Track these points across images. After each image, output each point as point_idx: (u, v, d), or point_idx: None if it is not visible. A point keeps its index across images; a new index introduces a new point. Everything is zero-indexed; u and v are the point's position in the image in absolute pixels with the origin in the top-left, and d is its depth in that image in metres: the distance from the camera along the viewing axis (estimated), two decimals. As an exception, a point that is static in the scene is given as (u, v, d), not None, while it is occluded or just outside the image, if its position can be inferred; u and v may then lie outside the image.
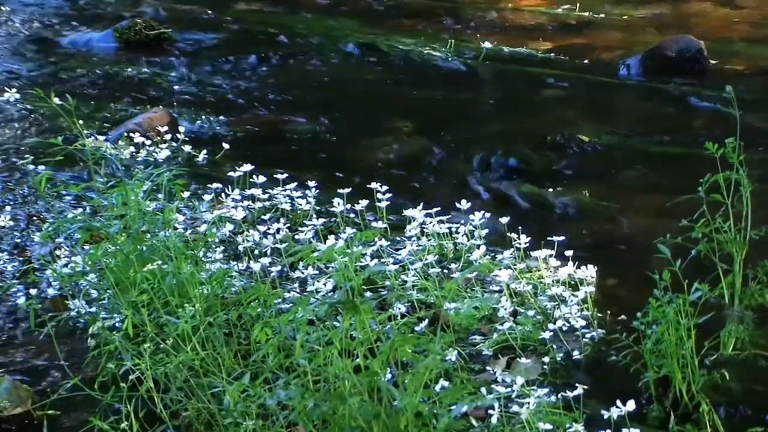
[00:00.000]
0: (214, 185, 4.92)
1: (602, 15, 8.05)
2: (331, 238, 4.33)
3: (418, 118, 6.07)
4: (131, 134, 5.56)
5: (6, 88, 6.35)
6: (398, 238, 4.57)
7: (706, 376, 3.49)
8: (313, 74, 6.99)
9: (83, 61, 7.21)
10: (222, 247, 4.39)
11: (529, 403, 3.27)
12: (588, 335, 3.89)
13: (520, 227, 4.41)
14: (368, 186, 4.75)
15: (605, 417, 3.26)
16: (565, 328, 3.90)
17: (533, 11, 8.22)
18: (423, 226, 4.51)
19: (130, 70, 7.00)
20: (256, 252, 4.41)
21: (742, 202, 3.78)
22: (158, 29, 7.47)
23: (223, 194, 4.86)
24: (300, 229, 4.56)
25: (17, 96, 6.13)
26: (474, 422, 3.41)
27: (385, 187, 4.71)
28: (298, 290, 4.20)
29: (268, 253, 4.36)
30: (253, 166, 4.91)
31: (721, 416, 3.44)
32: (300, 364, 3.29)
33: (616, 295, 4.18)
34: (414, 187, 5.21)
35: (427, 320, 3.93)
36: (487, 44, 7.13)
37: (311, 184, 4.81)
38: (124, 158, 5.34)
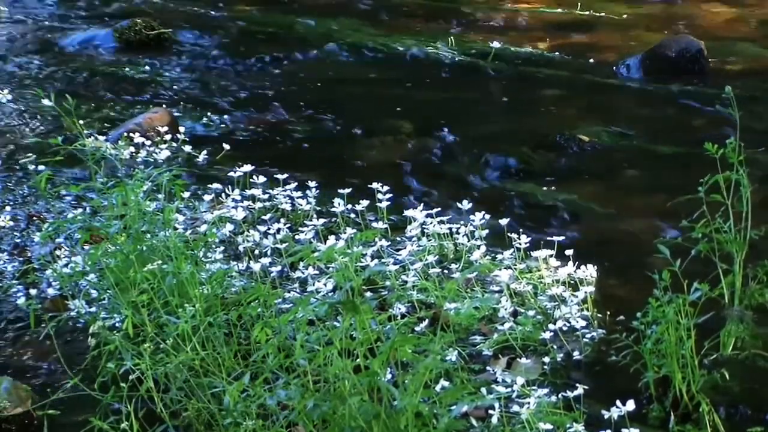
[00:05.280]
0: (214, 185, 4.92)
1: (602, 15, 8.04)
2: (332, 239, 4.33)
3: (418, 118, 6.07)
4: (131, 134, 5.55)
5: (4, 88, 6.36)
6: (398, 239, 4.57)
7: (706, 376, 3.49)
8: (313, 74, 6.98)
9: (83, 61, 7.21)
10: (222, 248, 4.39)
11: (529, 403, 3.28)
12: (588, 335, 3.89)
13: (520, 227, 4.41)
14: (368, 186, 4.75)
15: (605, 417, 3.26)
16: (565, 329, 3.90)
17: (533, 11, 8.22)
18: (423, 226, 4.51)
19: (130, 70, 7.00)
20: (257, 252, 4.42)
21: (742, 202, 3.78)
22: (158, 29, 7.47)
23: (223, 194, 4.86)
24: (300, 229, 4.57)
25: (9, 96, 6.14)
26: (474, 422, 3.41)
27: (385, 187, 4.71)
28: (298, 290, 4.20)
29: (269, 253, 4.36)
30: (253, 166, 4.91)
31: (721, 416, 3.44)
32: (300, 364, 3.29)
33: (616, 295, 4.18)
34: (414, 187, 5.21)
35: (427, 320, 3.93)
36: (496, 43, 7.13)
37: (311, 184, 4.81)
38: (124, 158, 5.34)
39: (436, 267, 4.25)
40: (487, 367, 3.74)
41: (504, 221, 4.47)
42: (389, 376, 3.27)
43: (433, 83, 6.76)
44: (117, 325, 3.79)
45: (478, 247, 4.32)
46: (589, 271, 4.13)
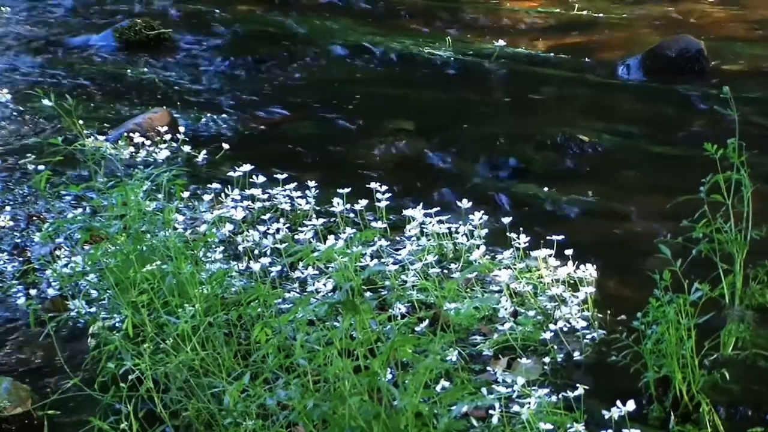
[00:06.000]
0: (214, 185, 4.92)
1: (602, 15, 8.05)
2: (331, 238, 4.33)
3: (418, 118, 6.07)
4: (131, 134, 5.56)
5: (4, 88, 6.37)
6: (398, 238, 4.56)
7: (706, 376, 3.49)
8: (313, 74, 6.99)
9: (83, 61, 7.21)
10: (222, 247, 4.39)
11: (529, 403, 3.28)
12: (588, 335, 3.89)
13: (520, 227, 4.41)
14: (368, 186, 4.75)
15: (606, 417, 3.26)
16: (565, 329, 3.90)
17: (533, 11, 8.22)
18: (423, 226, 4.51)
19: (130, 70, 7.00)
20: (256, 252, 4.41)
21: (743, 202, 3.78)
22: (158, 29, 7.48)
23: (222, 194, 4.86)
24: (300, 229, 4.56)
25: (9, 96, 6.14)
26: (474, 422, 3.41)
27: (384, 187, 4.71)
28: (298, 290, 4.20)
29: (268, 253, 4.36)
30: (253, 166, 4.91)
31: (721, 416, 3.44)
32: (300, 364, 3.29)
33: (616, 295, 4.18)
34: (414, 187, 5.21)
35: (427, 320, 3.93)
36: (501, 42, 7.13)
37: (311, 184, 4.81)
38: (124, 158, 5.34)
39: (435, 267, 4.25)
40: (488, 368, 3.74)
41: (504, 221, 4.47)
42: (389, 376, 3.27)
43: (433, 83, 6.76)
44: (117, 325, 3.79)
45: (478, 246, 4.32)
46: (589, 271, 4.13)
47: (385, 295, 4.12)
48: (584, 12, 8.07)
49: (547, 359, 3.74)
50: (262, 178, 4.82)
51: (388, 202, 4.66)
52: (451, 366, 3.60)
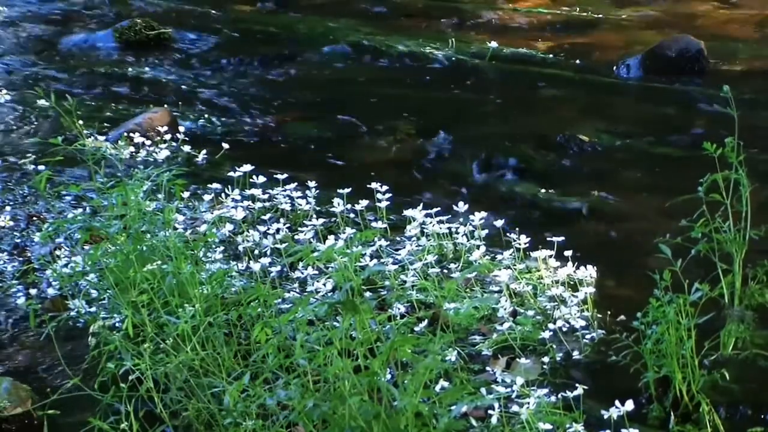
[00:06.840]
0: (214, 185, 4.92)
1: (602, 15, 8.04)
2: (331, 238, 4.34)
3: (418, 118, 6.07)
4: (131, 134, 5.56)
5: (4, 88, 6.37)
6: (398, 238, 4.57)
7: (706, 376, 3.49)
8: (313, 74, 6.99)
9: (83, 61, 7.21)
10: (222, 247, 4.39)
11: (528, 403, 3.28)
12: (588, 335, 3.89)
13: (520, 227, 4.41)
14: (368, 186, 4.75)
15: (605, 417, 3.26)
16: (564, 329, 3.90)
17: (533, 11, 8.22)
18: (423, 226, 4.51)
19: (130, 70, 7.00)
20: (256, 252, 4.42)
21: (742, 201, 3.78)
22: (158, 29, 7.48)
23: (222, 194, 4.86)
24: (300, 229, 4.57)
25: (9, 96, 6.14)
26: (474, 422, 3.41)
27: (385, 187, 4.71)
28: (298, 290, 4.20)
29: (268, 253, 4.37)
30: (253, 166, 4.91)
31: (721, 416, 3.44)
32: (300, 364, 3.29)
33: (616, 295, 4.18)
34: (414, 188, 5.21)
35: (426, 320, 3.93)
36: (493, 44, 7.13)
37: (311, 184, 4.82)
38: (124, 158, 5.34)
39: (435, 267, 4.25)
40: (487, 368, 3.74)
41: (503, 221, 4.47)
42: (389, 376, 3.28)
43: (433, 83, 6.76)
44: (117, 325, 3.79)
45: (478, 247, 4.32)
46: (589, 272, 4.13)
47: (385, 295, 4.12)
48: (584, 12, 8.07)
49: (546, 359, 3.75)
50: (262, 178, 4.82)
51: (388, 202, 4.66)
52: (451, 366, 3.60)
